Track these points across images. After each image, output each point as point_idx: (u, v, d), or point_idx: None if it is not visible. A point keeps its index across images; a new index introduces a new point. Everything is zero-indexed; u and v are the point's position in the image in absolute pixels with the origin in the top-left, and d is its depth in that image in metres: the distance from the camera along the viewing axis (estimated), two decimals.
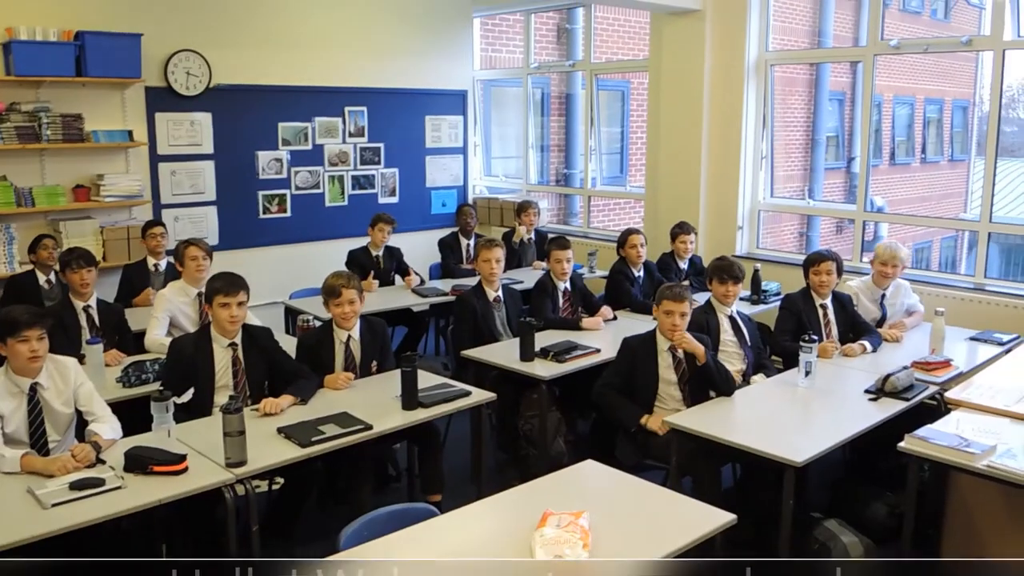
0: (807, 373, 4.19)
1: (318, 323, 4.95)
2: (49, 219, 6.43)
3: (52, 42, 6.12)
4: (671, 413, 4.03)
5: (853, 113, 13.28)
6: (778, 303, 5.50)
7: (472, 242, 7.49)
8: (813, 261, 5.01)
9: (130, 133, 6.68)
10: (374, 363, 4.45)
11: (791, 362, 4.58)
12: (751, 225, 7.32)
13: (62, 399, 3.56)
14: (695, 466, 3.84)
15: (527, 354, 4.66)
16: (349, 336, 4.37)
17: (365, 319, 4.48)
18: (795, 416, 4.01)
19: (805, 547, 3.70)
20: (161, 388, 3.54)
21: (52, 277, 5.69)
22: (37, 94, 6.25)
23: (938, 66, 14.70)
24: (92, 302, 4.86)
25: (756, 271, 6.13)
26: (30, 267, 5.80)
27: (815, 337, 4.26)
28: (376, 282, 6.59)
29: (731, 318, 4.76)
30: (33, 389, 3.49)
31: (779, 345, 4.95)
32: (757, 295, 6.06)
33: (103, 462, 3.23)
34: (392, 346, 6.62)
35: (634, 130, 11.17)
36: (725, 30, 7.03)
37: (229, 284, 3.96)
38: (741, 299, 5.61)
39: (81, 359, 4.25)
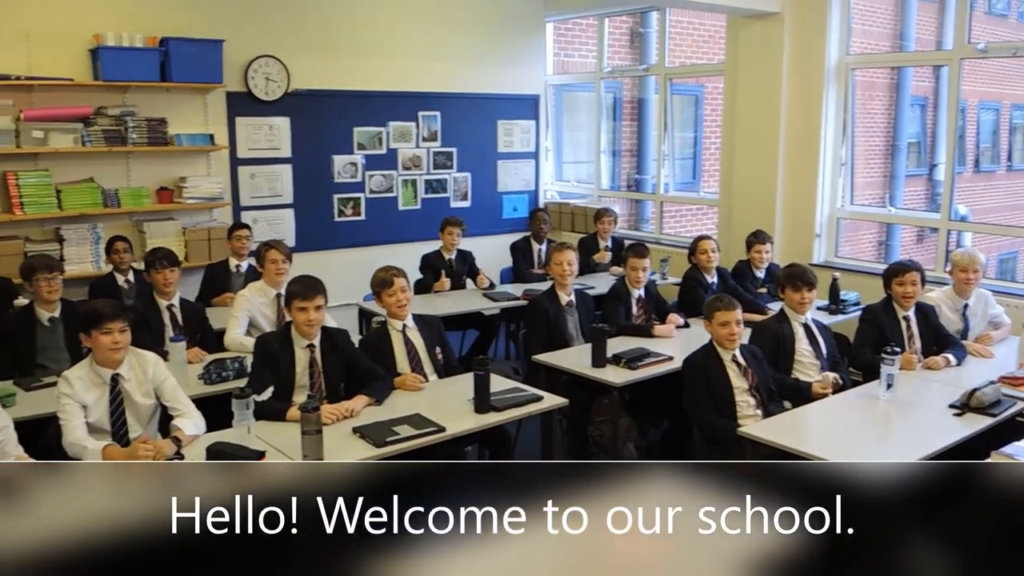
0: (888, 386, 4.08)
1: None
2: (134, 220, 6.64)
3: (138, 48, 6.32)
4: (750, 421, 3.97)
5: (936, 118, 12.92)
6: (857, 313, 5.38)
7: (544, 247, 7.49)
8: (897, 272, 4.87)
9: (211, 137, 6.86)
10: (439, 351, 4.50)
11: (871, 376, 4.46)
12: (829, 233, 7.17)
13: (142, 391, 3.66)
14: None
15: (599, 360, 4.63)
16: (405, 325, 4.44)
17: (419, 316, 4.56)
18: (875, 430, 3.91)
19: None
20: (242, 387, 3.60)
21: (131, 277, 5.86)
22: (123, 98, 6.46)
23: None
24: (175, 301, 4.99)
25: (834, 280, 6.01)
26: (110, 268, 5.99)
27: (897, 349, 4.14)
28: (448, 281, 6.64)
29: (806, 327, 4.67)
30: (115, 380, 3.60)
31: (859, 358, 4.82)
32: (835, 305, 5.92)
33: (182, 457, 3.32)
34: (463, 350, 6.73)
35: (708, 135, 11.05)
36: (804, 33, 6.91)
37: (307, 288, 4.02)
38: (819, 308, 5.51)
39: (164, 356, 4.39)
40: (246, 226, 6.38)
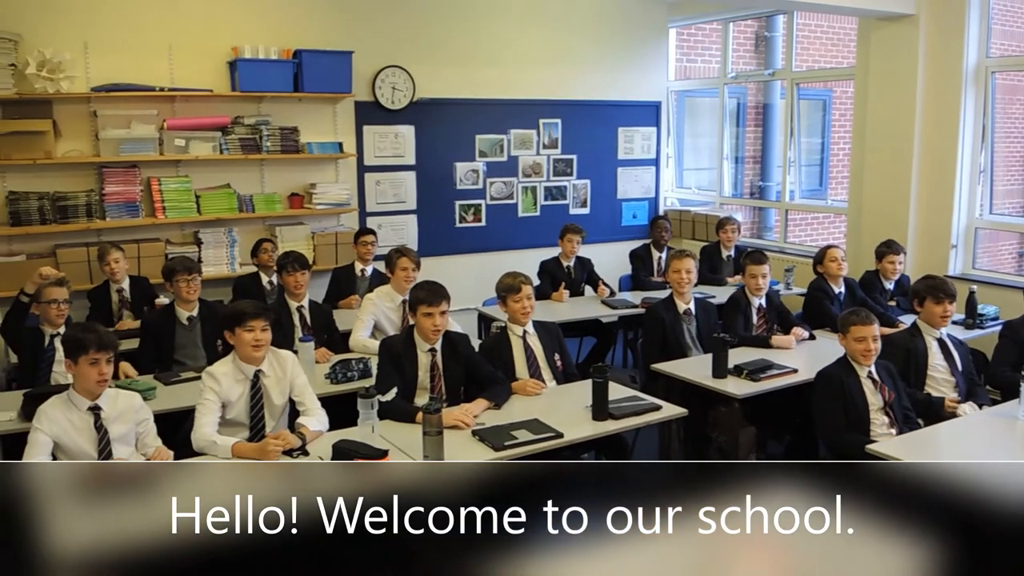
0: None
1: None
2: (267, 224, 6.92)
3: (273, 60, 6.58)
4: (884, 438, 3.84)
5: None
6: (995, 329, 5.12)
7: (664, 255, 7.41)
8: None
9: (340, 145, 7.09)
10: (558, 357, 4.52)
11: (1010, 395, 4.24)
12: (966, 244, 6.85)
13: (280, 388, 3.82)
14: None
15: (720, 371, 4.55)
16: (525, 331, 4.48)
17: (538, 322, 4.59)
18: (1012, 451, 3.70)
19: None
20: (367, 387, 3.70)
21: (274, 278, 6.11)
22: (259, 108, 6.75)
23: None
24: (305, 303, 5.18)
25: (972, 293, 5.72)
26: (252, 269, 6.26)
27: None
28: (567, 292, 6.65)
29: (940, 342, 4.47)
30: (256, 376, 3.77)
31: (997, 376, 4.58)
32: (972, 319, 5.64)
33: (307, 453, 3.43)
34: (580, 357, 6.73)
35: (836, 141, 10.71)
36: (941, 35, 6.63)
37: (432, 295, 4.10)
38: (954, 323, 5.27)
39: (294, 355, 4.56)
40: (372, 232, 6.56)
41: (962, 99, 6.62)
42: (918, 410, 4.21)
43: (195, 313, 4.95)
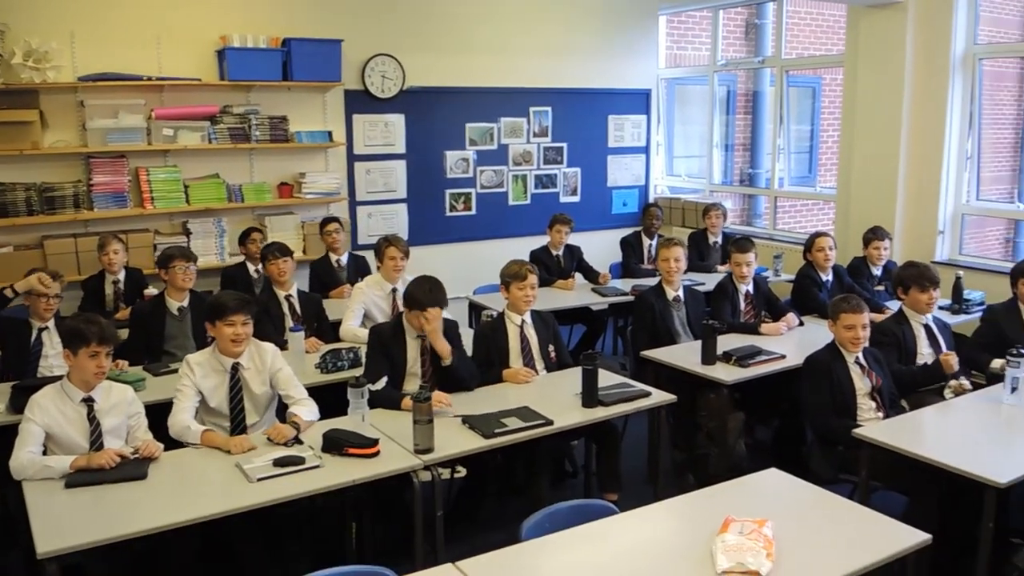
0: (1014, 389, 3.90)
1: None
2: (256, 214, 6.91)
3: (262, 49, 6.56)
4: (871, 423, 3.87)
5: None
6: (981, 314, 5.16)
7: (655, 242, 7.44)
8: None
9: (330, 134, 7.08)
10: (551, 348, 4.54)
11: (985, 375, 4.33)
12: (953, 230, 6.89)
13: (260, 379, 3.83)
14: (904, 480, 3.65)
15: (709, 357, 4.58)
16: (523, 321, 4.49)
17: (535, 312, 4.60)
18: (998, 434, 3.74)
19: (1003, 574, 3.46)
20: (357, 377, 3.72)
21: (261, 268, 6.10)
22: (247, 97, 6.73)
23: None
24: (293, 292, 5.19)
25: (958, 279, 5.77)
26: (240, 258, 6.25)
27: (1023, 351, 3.95)
28: (572, 280, 6.70)
29: (927, 327, 4.51)
30: (235, 368, 3.77)
31: (969, 356, 4.62)
32: (959, 304, 5.69)
33: (301, 442, 3.45)
34: (571, 344, 6.75)
35: (825, 128, 10.74)
36: (929, 22, 6.65)
37: (430, 300, 4.04)
38: (941, 308, 5.31)
39: (284, 345, 4.57)
40: (336, 220, 6.53)
41: (950, 86, 6.64)
42: (920, 381, 4.25)
43: (185, 303, 4.94)
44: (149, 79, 6.22)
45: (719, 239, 7.50)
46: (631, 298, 6.19)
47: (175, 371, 4.28)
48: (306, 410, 3.74)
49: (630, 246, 7.49)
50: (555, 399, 4.01)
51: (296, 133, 6.86)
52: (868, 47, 6.98)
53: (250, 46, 6.50)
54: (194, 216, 6.59)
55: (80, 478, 3.10)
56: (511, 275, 4.49)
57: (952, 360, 4.26)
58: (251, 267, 6.14)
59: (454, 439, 3.54)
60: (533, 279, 4.48)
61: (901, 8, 6.67)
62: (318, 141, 7.00)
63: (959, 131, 6.74)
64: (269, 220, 6.83)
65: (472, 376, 4.18)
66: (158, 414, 3.76)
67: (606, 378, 4.19)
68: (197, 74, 6.46)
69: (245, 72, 6.50)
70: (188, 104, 6.44)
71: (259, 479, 3.12)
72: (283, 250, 5.20)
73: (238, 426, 3.77)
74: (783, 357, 4.66)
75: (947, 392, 4.20)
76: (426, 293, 4.07)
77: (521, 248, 7.03)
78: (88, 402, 3.38)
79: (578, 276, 6.93)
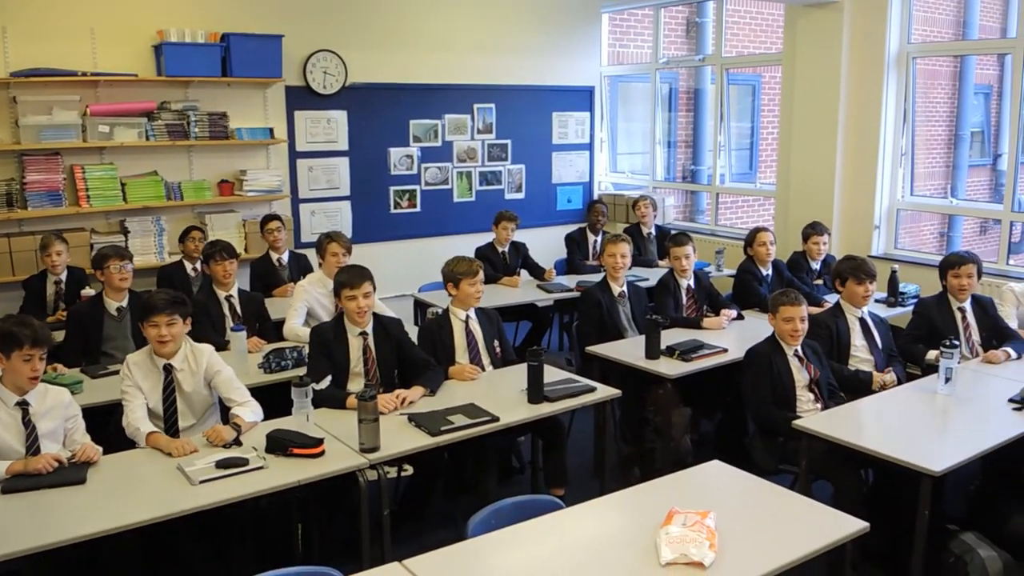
0: (947, 379, 4.02)
1: None
2: (196, 212, 6.80)
3: (200, 44, 6.45)
4: (809, 416, 3.95)
5: (1000, 107, 12.58)
6: None
7: (599, 238, 7.49)
8: (952, 264, 4.79)
9: (271, 130, 6.99)
10: (497, 344, 4.55)
11: (921, 366, 4.45)
12: (889, 225, 7.05)
13: (194, 381, 3.75)
14: (831, 471, 3.74)
15: (653, 352, 4.63)
16: (468, 317, 4.49)
17: (479, 308, 4.61)
18: (933, 423, 3.85)
19: (940, 560, 3.56)
20: (301, 376, 3.68)
21: (199, 266, 6.01)
22: (186, 93, 6.61)
23: None
24: (234, 292, 5.12)
25: (894, 272, 5.92)
26: (178, 256, 6.14)
27: (956, 342, 4.07)
28: (519, 278, 6.71)
29: (862, 320, 4.61)
30: (167, 369, 3.71)
31: (903, 348, 4.74)
32: (894, 297, 5.84)
33: (240, 444, 3.41)
34: (516, 341, 6.77)
35: (765, 125, 10.92)
36: (864, 22, 6.79)
37: (353, 276, 4.11)
38: (877, 301, 5.45)
39: (225, 346, 4.51)
40: (277, 218, 6.47)
41: (884, 84, 6.80)
42: (848, 386, 4.34)
43: (124, 304, 4.84)
44: (84, 74, 6.08)
45: (652, 231, 7.58)
46: (576, 294, 6.23)
47: (114, 373, 4.20)
48: (249, 411, 3.69)
49: (575, 242, 7.53)
50: (501, 395, 4.02)
51: (236, 130, 6.77)
52: (805, 46, 7.11)
53: (188, 41, 6.39)
54: (132, 215, 6.45)
55: (16, 483, 3.02)
56: (463, 272, 4.47)
57: (886, 380, 4.34)
58: (188, 265, 6.04)
59: (400, 437, 3.53)
60: (482, 275, 4.51)
61: (837, 8, 6.80)
62: (259, 138, 6.91)
63: (894, 128, 6.90)
64: (210, 218, 6.73)
65: (439, 384, 4.17)
66: (96, 417, 3.69)
67: (552, 374, 4.21)
68: (133, 69, 6.33)
69: (183, 67, 6.38)
70: (124, 100, 6.30)
71: (201, 481, 3.07)
72: (229, 251, 5.11)
73: (171, 428, 3.69)
74: (725, 351, 4.73)
75: (875, 385, 4.32)
76: (349, 273, 4.11)
77: (467, 245, 7.02)
78: (23, 406, 3.29)
79: (524, 273, 6.95)
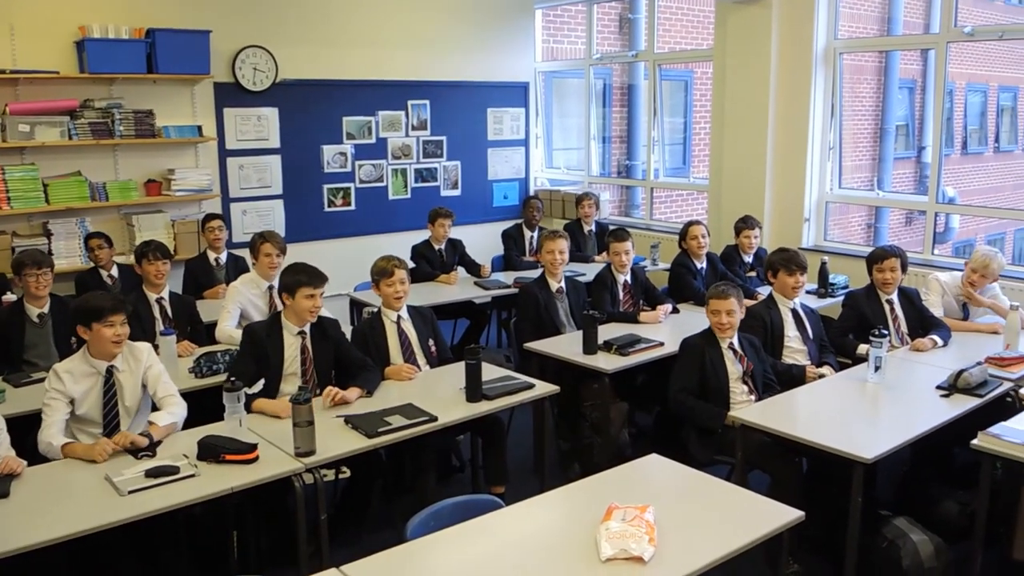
0: (877, 368, 4.11)
1: None
2: (122, 213, 6.62)
3: (124, 40, 6.30)
4: (743, 407, 4.00)
5: (924, 101, 12.96)
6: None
7: (536, 234, 7.50)
8: (877, 258, 4.89)
9: (199, 128, 6.84)
10: (432, 343, 4.51)
11: (859, 360, 4.54)
12: (818, 217, 7.19)
13: (134, 382, 3.65)
14: (768, 461, 3.80)
15: (590, 347, 4.65)
16: (399, 317, 4.44)
17: (412, 307, 4.57)
18: (864, 412, 3.93)
19: (873, 545, 3.63)
20: (233, 379, 3.60)
21: (114, 272, 5.85)
22: (110, 91, 6.43)
23: (1013, 52, 14.25)
24: (164, 294, 4.99)
25: (823, 264, 6.03)
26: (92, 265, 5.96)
27: (885, 332, 4.16)
28: (456, 274, 6.67)
29: (794, 311, 4.68)
30: (109, 371, 3.60)
31: (834, 342, 4.84)
32: (824, 288, 5.95)
33: (154, 454, 3.29)
34: (455, 339, 6.74)
35: (697, 120, 11.06)
36: (793, 18, 6.91)
37: (315, 277, 4.05)
38: (807, 292, 5.54)
39: (155, 350, 4.38)
40: (218, 217, 6.34)
41: (812, 79, 6.92)
42: (783, 380, 4.40)
43: (46, 310, 4.68)
44: (2, 72, 5.88)
45: (593, 228, 7.62)
46: (514, 290, 6.22)
47: (37, 381, 4.05)
48: (166, 413, 3.57)
49: (511, 239, 7.52)
50: (439, 395, 3.99)
51: (163, 128, 6.60)
52: (735, 42, 7.20)
53: (112, 37, 6.23)
54: (55, 216, 6.26)
55: None
56: (378, 272, 4.43)
57: (822, 373, 4.41)
58: (103, 273, 5.86)
59: (336, 440, 3.47)
60: (401, 274, 4.41)
61: (766, 4, 6.90)
62: (187, 136, 6.75)
63: (822, 122, 7.03)
64: (137, 219, 6.55)
65: (377, 385, 4.12)
66: (20, 428, 3.55)
67: (490, 371, 4.20)
68: (55, 66, 6.13)
69: (107, 64, 6.21)
70: (46, 98, 6.11)
71: (130, 492, 2.98)
72: (163, 251, 4.97)
73: (111, 433, 3.57)
74: (661, 344, 4.76)
75: (808, 378, 4.39)
76: (309, 273, 4.04)
77: (403, 243, 6.99)
78: None
79: (461, 270, 6.92)
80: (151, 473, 3.07)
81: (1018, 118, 15.31)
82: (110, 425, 3.60)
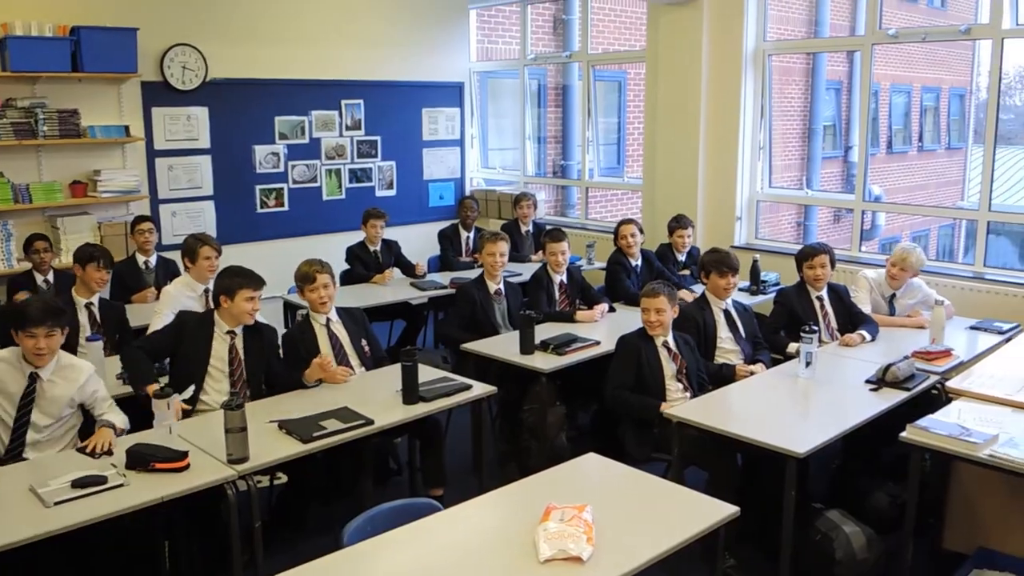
0: (807, 364, 4.19)
1: None
2: (47, 215, 6.43)
3: (48, 37, 6.11)
4: (678, 404, 4.04)
5: (850, 102, 13.28)
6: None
7: (472, 235, 7.48)
8: (807, 255, 5.00)
9: (127, 128, 6.67)
10: (365, 343, 4.47)
11: (784, 356, 4.64)
12: (749, 215, 7.31)
13: (59, 400, 3.54)
14: (704, 458, 3.85)
15: (527, 347, 4.65)
16: (328, 319, 4.39)
17: (342, 308, 4.53)
18: (796, 407, 4.01)
19: (807, 538, 3.71)
20: (163, 386, 3.52)
21: (50, 277, 5.67)
22: (33, 90, 6.24)
23: (935, 54, 14.70)
24: (95, 299, 4.85)
25: (755, 262, 6.14)
26: (28, 266, 5.78)
27: (815, 327, 4.25)
28: (391, 274, 6.60)
29: (726, 312, 4.75)
30: (32, 378, 3.50)
31: (767, 339, 4.93)
32: (756, 286, 6.06)
33: (110, 454, 3.25)
34: (391, 341, 6.69)
35: (631, 121, 11.16)
36: (722, 20, 7.01)
37: (254, 279, 4.02)
38: (740, 290, 5.62)
39: (76, 355, 4.26)
40: (148, 219, 6.18)
41: (742, 80, 7.03)
42: (714, 380, 4.46)
43: None
44: None
45: (530, 228, 7.64)
46: (451, 291, 6.19)
47: None
48: (119, 419, 3.55)
49: (447, 239, 7.49)
50: (375, 397, 3.95)
51: (89, 128, 6.42)
52: (667, 43, 7.28)
53: (35, 34, 6.03)
54: None
55: None
56: (300, 278, 4.37)
57: (753, 370, 4.48)
58: (39, 277, 5.67)
59: (271, 445, 3.41)
60: (324, 278, 4.33)
61: (697, 6, 7.00)
62: (114, 136, 6.58)
63: (752, 123, 7.15)
64: (62, 222, 6.36)
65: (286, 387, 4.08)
66: None
67: (427, 373, 4.17)
68: None
69: (30, 62, 6.02)
70: None
71: (56, 503, 2.89)
72: (108, 259, 4.87)
73: (16, 442, 3.47)
74: (598, 343, 4.79)
75: (738, 377, 4.46)
76: (247, 276, 4.02)
77: (338, 244, 6.92)
78: None
79: (396, 271, 6.87)
80: (78, 483, 2.98)
81: (940, 118, 15.80)
82: (19, 431, 3.48)
